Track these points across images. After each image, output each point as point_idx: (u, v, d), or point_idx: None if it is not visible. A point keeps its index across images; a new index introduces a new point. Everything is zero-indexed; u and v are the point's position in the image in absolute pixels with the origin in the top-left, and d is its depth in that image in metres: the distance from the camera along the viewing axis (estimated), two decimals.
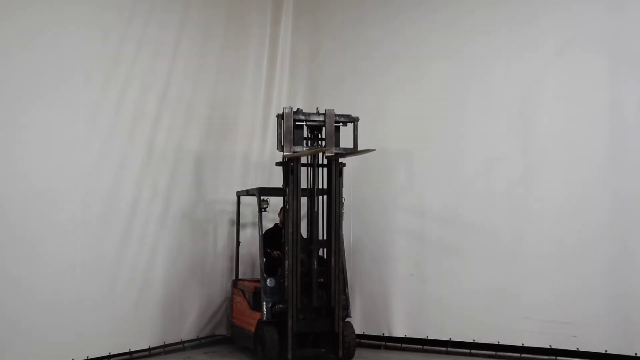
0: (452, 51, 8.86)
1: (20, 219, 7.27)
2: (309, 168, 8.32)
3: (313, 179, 8.28)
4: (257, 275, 8.88)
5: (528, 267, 8.16)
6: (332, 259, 7.99)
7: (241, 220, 9.54)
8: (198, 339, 9.28)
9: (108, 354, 8.04)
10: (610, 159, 7.76)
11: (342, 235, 8.37)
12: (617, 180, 7.70)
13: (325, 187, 8.30)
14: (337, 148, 8.19)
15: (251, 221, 9.85)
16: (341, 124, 8.27)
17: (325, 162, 8.32)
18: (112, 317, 8.10)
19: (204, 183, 9.43)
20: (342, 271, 8.25)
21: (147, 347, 8.53)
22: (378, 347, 9.08)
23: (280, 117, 8.13)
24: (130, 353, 8.30)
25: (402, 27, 9.31)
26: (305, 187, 8.25)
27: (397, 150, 9.15)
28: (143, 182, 8.54)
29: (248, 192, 9.07)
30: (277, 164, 8.38)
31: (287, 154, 8.03)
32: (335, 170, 8.15)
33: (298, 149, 8.06)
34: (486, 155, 8.51)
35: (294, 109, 8.12)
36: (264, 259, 8.60)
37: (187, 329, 9.13)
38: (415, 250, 8.96)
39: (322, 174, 8.34)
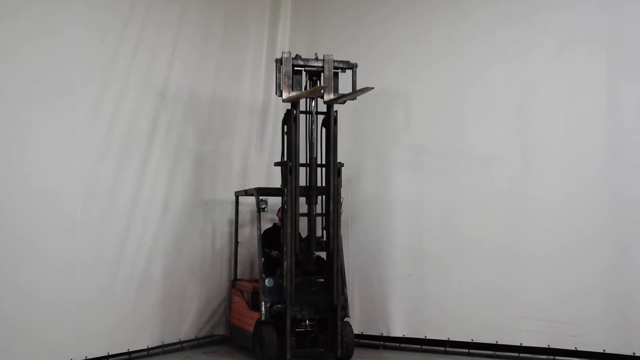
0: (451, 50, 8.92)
1: (19, 218, 7.27)
2: (307, 127, 8.32)
3: (311, 131, 8.30)
4: (256, 275, 8.90)
5: (526, 266, 8.18)
6: (332, 230, 8.06)
7: (240, 221, 9.56)
8: (197, 339, 9.30)
9: (107, 354, 8.06)
10: (609, 158, 7.78)
11: (341, 235, 8.37)
12: (616, 180, 7.72)
13: (323, 184, 8.28)
14: (336, 93, 8.19)
15: (250, 221, 9.87)
16: (340, 70, 8.28)
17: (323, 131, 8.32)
18: (111, 317, 8.10)
19: (202, 183, 9.44)
20: (341, 271, 8.25)
21: (145, 347, 8.55)
22: (377, 346, 9.11)
23: (278, 62, 8.13)
24: (129, 353, 8.31)
25: (401, 26, 9.32)
26: (304, 151, 8.24)
27: (396, 155, 9.20)
28: (142, 182, 8.55)
29: (247, 192, 9.09)
30: (276, 164, 8.41)
31: (285, 98, 8.04)
32: (333, 118, 8.13)
33: (296, 94, 8.07)
34: (485, 154, 8.53)
35: (293, 55, 8.12)
36: (263, 259, 8.60)
37: (186, 329, 9.14)
38: (413, 250, 8.97)
39: (322, 175, 8.33)
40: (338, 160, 8.22)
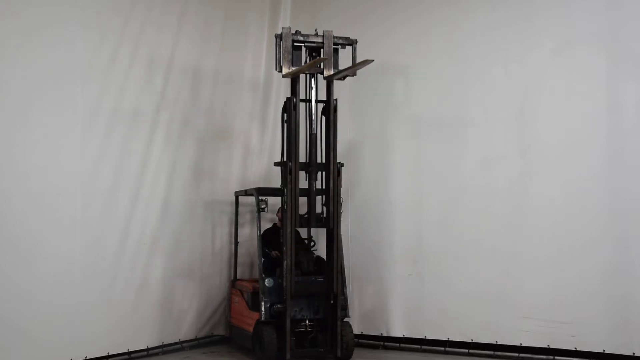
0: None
1: (19, 219, 7.29)
2: (307, 115, 8.36)
3: (310, 113, 8.34)
4: (256, 275, 8.93)
5: (526, 267, 8.20)
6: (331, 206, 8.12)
7: (240, 221, 9.58)
8: (196, 339, 9.32)
9: (107, 354, 8.08)
10: (608, 158, 7.79)
11: (341, 235, 8.39)
12: (616, 180, 7.73)
13: (323, 186, 8.32)
14: (336, 69, 8.21)
15: (250, 221, 9.90)
16: (340, 46, 8.31)
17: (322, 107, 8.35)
18: (111, 317, 8.13)
19: (202, 183, 9.47)
20: (341, 271, 8.28)
21: (145, 347, 8.57)
22: (376, 347, 9.13)
23: (278, 37, 8.16)
24: (128, 353, 8.34)
25: (400, 26, 9.34)
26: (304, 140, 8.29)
27: (396, 155, 9.23)
28: (141, 182, 8.57)
29: (246, 192, 9.11)
30: (276, 164, 8.44)
31: (285, 73, 8.07)
32: (333, 118, 8.17)
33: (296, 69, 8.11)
34: (484, 154, 8.55)
35: (293, 31, 8.16)
36: (263, 259, 8.62)
37: (186, 329, 9.17)
38: (413, 250, 8.99)
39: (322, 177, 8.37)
40: (338, 161, 8.24)
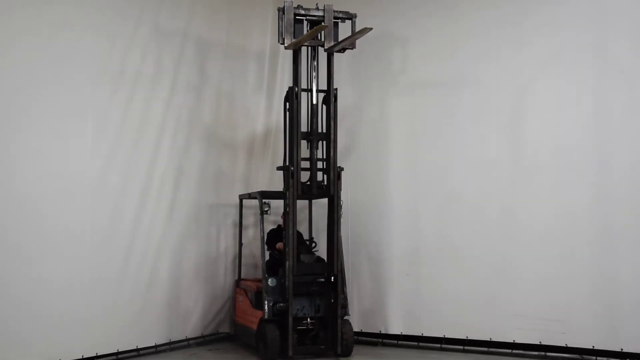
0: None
1: (29, 222, 7.40)
2: (309, 103, 8.55)
3: (312, 117, 8.50)
4: (259, 275, 8.96)
5: (518, 267, 8.32)
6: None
7: (243, 223, 9.67)
8: (202, 336, 9.41)
9: (116, 351, 8.20)
10: (597, 163, 7.92)
11: (341, 237, 8.52)
12: (605, 185, 7.86)
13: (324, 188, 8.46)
14: (336, 42, 8.41)
15: (253, 223, 10.01)
16: (340, 20, 8.51)
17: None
18: (120, 316, 8.24)
19: (207, 187, 9.55)
20: (341, 271, 8.40)
21: (153, 345, 8.68)
22: (375, 344, 9.20)
23: (281, 10, 8.37)
24: (137, 350, 8.45)
25: (397, 30, 9.43)
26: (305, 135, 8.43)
27: (395, 167, 9.36)
28: (149, 186, 8.66)
29: (250, 196, 9.19)
30: (278, 168, 8.57)
31: (288, 44, 8.25)
32: (334, 106, 8.36)
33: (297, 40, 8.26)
34: (478, 159, 8.67)
35: (295, 5, 8.36)
36: (266, 260, 8.74)
37: (192, 327, 9.26)
38: (410, 250, 9.10)
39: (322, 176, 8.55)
40: (338, 165, 8.40)
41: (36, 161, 7.51)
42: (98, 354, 8.01)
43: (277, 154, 9.61)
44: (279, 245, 8.75)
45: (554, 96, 8.24)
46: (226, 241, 9.90)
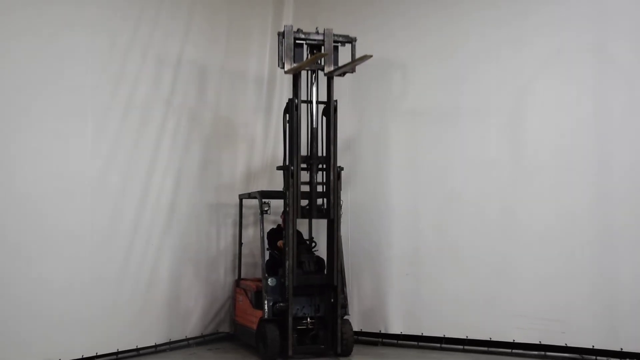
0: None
1: (29, 222, 7.41)
2: (308, 116, 8.57)
3: (311, 114, 8.51)
4: (259, 275, 8.99)
5: (518, 267, 8.33)
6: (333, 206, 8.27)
7: (243, 222, 9.69)
8: (202, 336, 9.42)
9: (116, 350, 8.20)
10: (597, 163, 7.93)
11: (341, 237, 8.54)
12: (605, 185, 7.87)
13: (324, 189, 8.48)
14: (336, 66, 8.40)
15: (253, 223, 10.02)
16: (340, 44, 8.49)
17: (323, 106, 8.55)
18: (120, 316, 8.24)
19: (207, 186, 9.56)
20: (341, 271, 8.41)
21: (153, 344, 8.68)
22: (375, 343, 9.21)
23: (280, 34, 8.34)
24: (137, 350, 8.45)
25: (397, 30, 9.49)
26: (304, 142, 8.46)
27: (395, 167, 9.39)
28: (149, 186, 8.67)
29: (250, 195, 9.21)
30: (278, 167, 8.58)
31: (288, 69, 8.24)
32: (334, 118, 8.36)
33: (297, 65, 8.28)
34: (478, 159, 8.68)
35: (295, 29, 8.35)
36: (266, 259, 8.75)
37: (192, 327, 9.27)
38: (410, 250, 9.11)
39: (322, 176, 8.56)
40: (338, 165, 8.40)
41: (36, 161, 7.51)
42: (98, 354, 8.01)
43: (277, 154, 9.63)
44: (280, 243, 8.77)
45: (554, 96, 8.25)
46: (226, 241, 9.92)
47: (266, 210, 8.76)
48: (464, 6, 9.01)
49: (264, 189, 9.40)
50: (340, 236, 8.54)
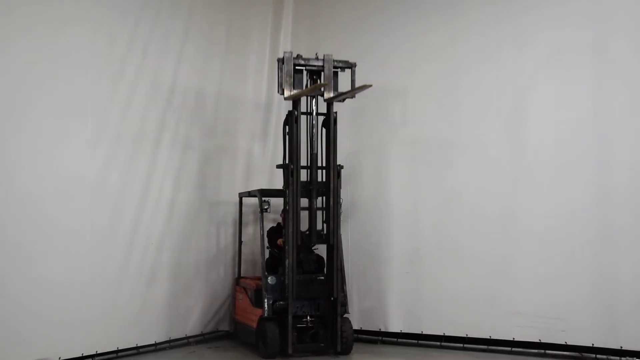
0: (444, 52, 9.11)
1: (30, 222, 7.41)
2: (308, 127, 8.57)
3: (312, 132, 8.52)
4: (259, 274, 9.02)
5: (518, 266, 8.36)
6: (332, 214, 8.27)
7: (243, 221, 9.70)
8: (202, 334, 9.44)
9: (116, 349, 8.22)
10: (597, 162, 7.96)
11: (340, 234, 8.55)
12: (604, 184, 7.90)
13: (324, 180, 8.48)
14: (336, 92, 8.40)
15: (253, 221, 10.03)
16: (339, 69, 8.48)
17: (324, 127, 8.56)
18: (120, 314, 8.27)
19: (207, 185, 9.58)
20: (340, 269, 8.44)
21: (153, 342, 8.70)
22: (375, 341, 9.24)
23: (280, 61, 8.34)
24: (137, 348, 8.48)
25: (397, 29, 9.51)
26: (304, 149, 8.47)
27: (393, 160, 9.41)
28: (149, 185, 8.68)
29: (250, 194, 9.23)
30: (278, 166, 8.59)
31: (287, 95, 8.23)
32: (333, 118, 8.37)
33: (297, 92, 8.28)
34: (477, 159, 8.70)
35: (294, 55, 8.34)
36: (266, 258, 8.77)
37: (192, 325, 9.29)
38: (410, 249, 9.13)
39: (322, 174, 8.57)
40: (338, 163, 8.41)
41: (36, 161, 7.52)
42: (98, 352, 8.03)
43: (277, 154, 9.61)
44: (280, 241, 8.78)
45: (554, 95, 8.28)
46: (226, 239, 9.93)
47: (266, 209, 8.78)
48: (464, 4, 9.04)
49: (264, 187, 9.39)
50: (340, 234, 8.55)
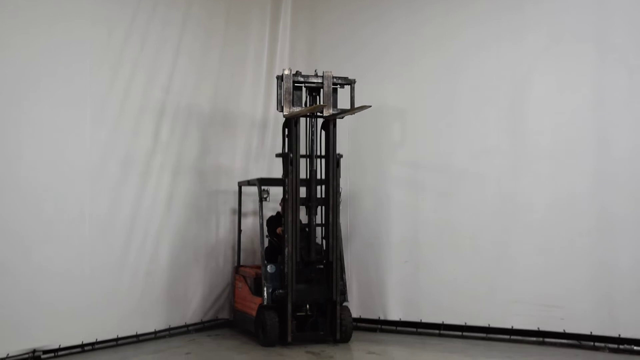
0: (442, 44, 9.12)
1: (29, 212, 7.43)
2: (307, 131, 8.59)
3: (312, 142, 8.55)
4: (258, 262, 9.04)
5: (516, 254, 8.37)
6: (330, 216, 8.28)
7: (242, 210, 9.70)
8: (202, 322, 9.47)
9: (116, 337, 8.26)
10: (597, 151, 7.95)
11: (340, 223, 8.58)
12: (603, 172, 7.89)
13: (324, 176, 8.51)
14: (335, 109, 8.41)
15: (252, 210, 10.04)
16: (339, 86, 8.49)
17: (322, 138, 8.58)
18: (120, 303, 8.29)
19: (206, 174, 9.58)
20: (340, 258, 8.47)
21: (153, 331, 8.73)
22: (374, 330, 9.26)
23: (279, 78, 8.34)
24: (137, 336, 8.51)
25: (395, 21, 9.49)
26: (304, 153, 8.49)
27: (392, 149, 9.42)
28: (148, 173, 8.69)
29: (249, 183, 9.23)
30: (277, 155, 8.59)
31: (287, 113, 8.24)
32: (332, 133, 8.40)
33: (297, 109, 8.29)
34: (477, 147, 8.70)
35: (293, 72, 8.35)
36: (265, 246, 8.80)
37: (192, 313, 9.32)
38: (409, 238, 9.15)
39: (321, 166, 8.59)
40: (337, 152, 8.44)
41: (35, 150, 7.52)
42: (98, 340, 8.07)
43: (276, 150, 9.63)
44: (279, 230, 8.79)
45: (554, 83, 8.26)
46: (225, 228, 9.93)
47: (265, 198, 8.79)
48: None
49: (263, 176, 9.38)
50: (340, 223, 8.58)
